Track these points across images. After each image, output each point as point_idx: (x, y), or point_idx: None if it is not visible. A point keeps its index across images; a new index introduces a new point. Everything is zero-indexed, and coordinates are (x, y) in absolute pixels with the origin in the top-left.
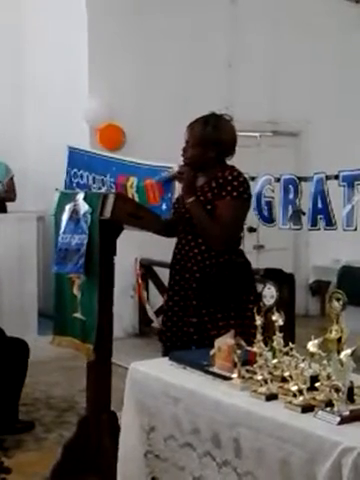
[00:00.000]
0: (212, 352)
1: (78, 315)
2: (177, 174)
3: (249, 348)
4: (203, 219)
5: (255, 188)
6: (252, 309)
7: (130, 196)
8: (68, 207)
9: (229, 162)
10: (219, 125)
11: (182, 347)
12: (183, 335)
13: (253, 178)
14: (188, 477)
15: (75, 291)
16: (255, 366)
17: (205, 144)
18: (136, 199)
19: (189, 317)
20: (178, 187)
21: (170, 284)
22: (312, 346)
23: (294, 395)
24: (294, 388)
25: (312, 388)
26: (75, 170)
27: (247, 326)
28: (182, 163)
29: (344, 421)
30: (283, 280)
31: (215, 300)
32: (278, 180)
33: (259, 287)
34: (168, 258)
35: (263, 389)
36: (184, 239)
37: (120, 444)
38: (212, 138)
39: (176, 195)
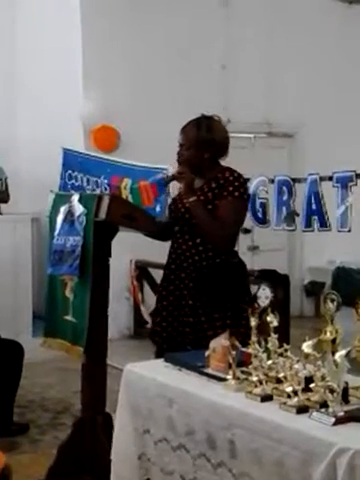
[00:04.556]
0: (207, 353)
1: (69, 317)
2: (177, 174)
3: (244, 349)
4: (206, 218)
5: (249, 189)
6: (247, 310)
7: (124, 197)
8: (63, 209)
9: (223, 162)
10: (211, 126)
11: (177, 348)
12: (178, 335)
13: (247, 179)
14: None
15: (67, 293)
16: (250, 367)
17: (200, 146)
18: (130, 201)
19: (185, 317)
20: (173, 188)
21: (163, 284)
22: (307, 347)
23: (289, 396)
24: (289, 389)
25: (307, 389)
26: (70, 172)
27: (243, 326)
28: (178, 164)
29: (339, 422)
30: (278, 281)
31: (212, 300)
32: (272, 181)
33: (254, 288)
34: (163, 260)
35: (258, 390)
36: (181, 239)
37: (113, 446)
38: (206, 139)
39: (171, 196)
